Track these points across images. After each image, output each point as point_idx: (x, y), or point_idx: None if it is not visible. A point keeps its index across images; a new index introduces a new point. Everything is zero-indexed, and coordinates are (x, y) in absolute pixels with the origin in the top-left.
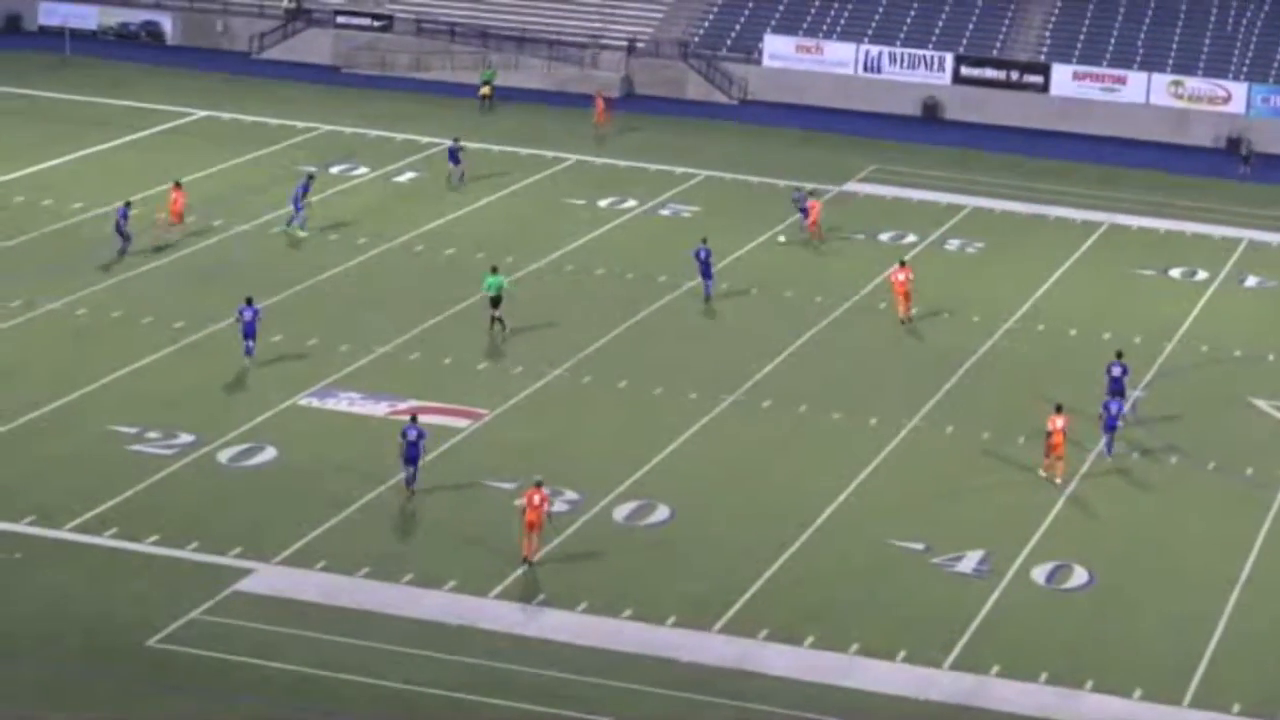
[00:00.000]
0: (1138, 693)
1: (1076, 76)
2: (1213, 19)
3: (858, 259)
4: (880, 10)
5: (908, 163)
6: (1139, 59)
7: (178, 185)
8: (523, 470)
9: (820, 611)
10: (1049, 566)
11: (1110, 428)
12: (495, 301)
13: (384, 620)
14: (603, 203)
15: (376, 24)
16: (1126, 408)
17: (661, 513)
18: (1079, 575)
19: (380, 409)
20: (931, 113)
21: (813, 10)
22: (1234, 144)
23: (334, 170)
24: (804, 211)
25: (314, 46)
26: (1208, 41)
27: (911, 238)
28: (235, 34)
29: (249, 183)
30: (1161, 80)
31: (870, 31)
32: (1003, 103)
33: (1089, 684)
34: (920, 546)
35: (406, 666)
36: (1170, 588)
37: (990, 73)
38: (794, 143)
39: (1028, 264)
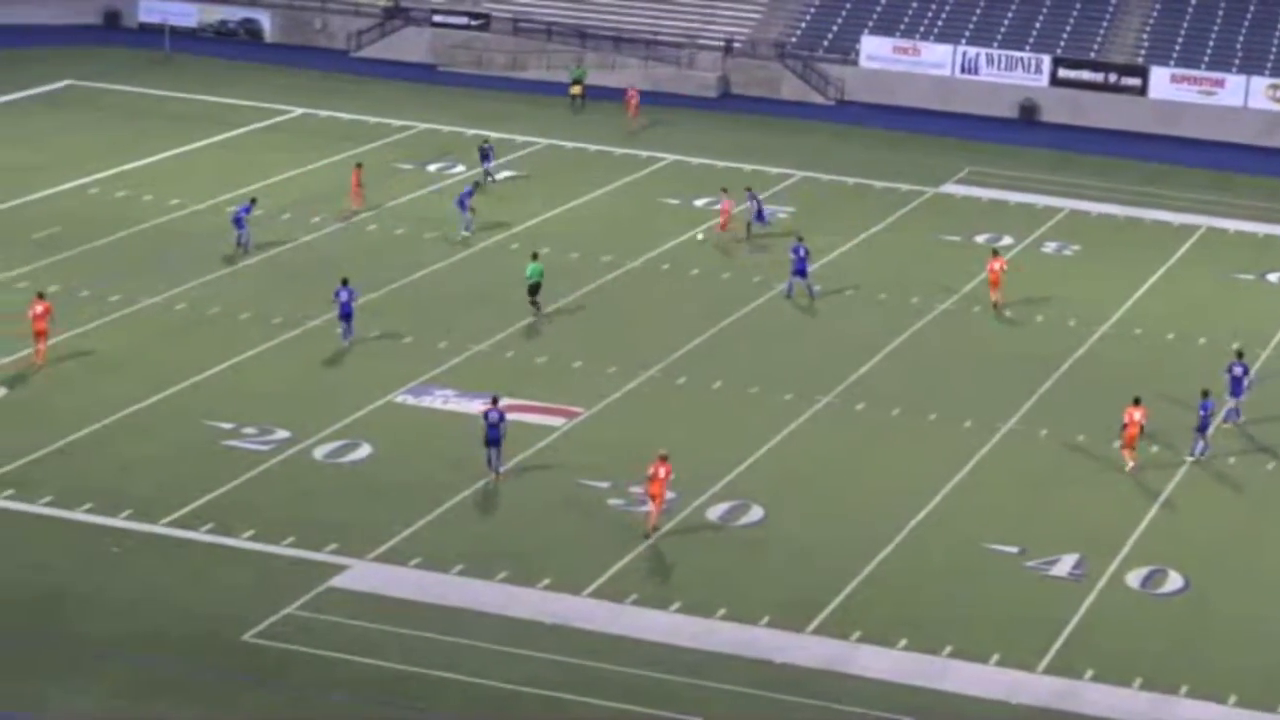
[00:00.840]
0: (1232, 699)
1: (1174, 79)
2: None
3: (953, 261)
4: (978, 11)
5: (1004, 165)
6: (1238, 62)
7: (358, 166)
8: (617, 469)
9: (914, 614)
10: (1144, 571)
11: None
12: (535, 289)
13: (477, 618)
14: (698, 203)
15: (474, 23)
16: (1232, 410)
17: (755, 513)
18: (1174, 580)
19: (475, 406)
20: (1028, 115)
21: (910, 11)
22: None
23: (430, 169)
24: (758, 213)
25: (411, 45)
26: None
27: (1007, 239)
28: (333, 32)
29: (346, 181)
30: (1260, 83)
31: (967, 33)
32: (1100, 105)
33: (1183, 690)
34: (1014, 550)
35: (499, 664)
36: (1266, 594)
37: (1088, 75)
38: (889, 144)
39: (1124, 267)
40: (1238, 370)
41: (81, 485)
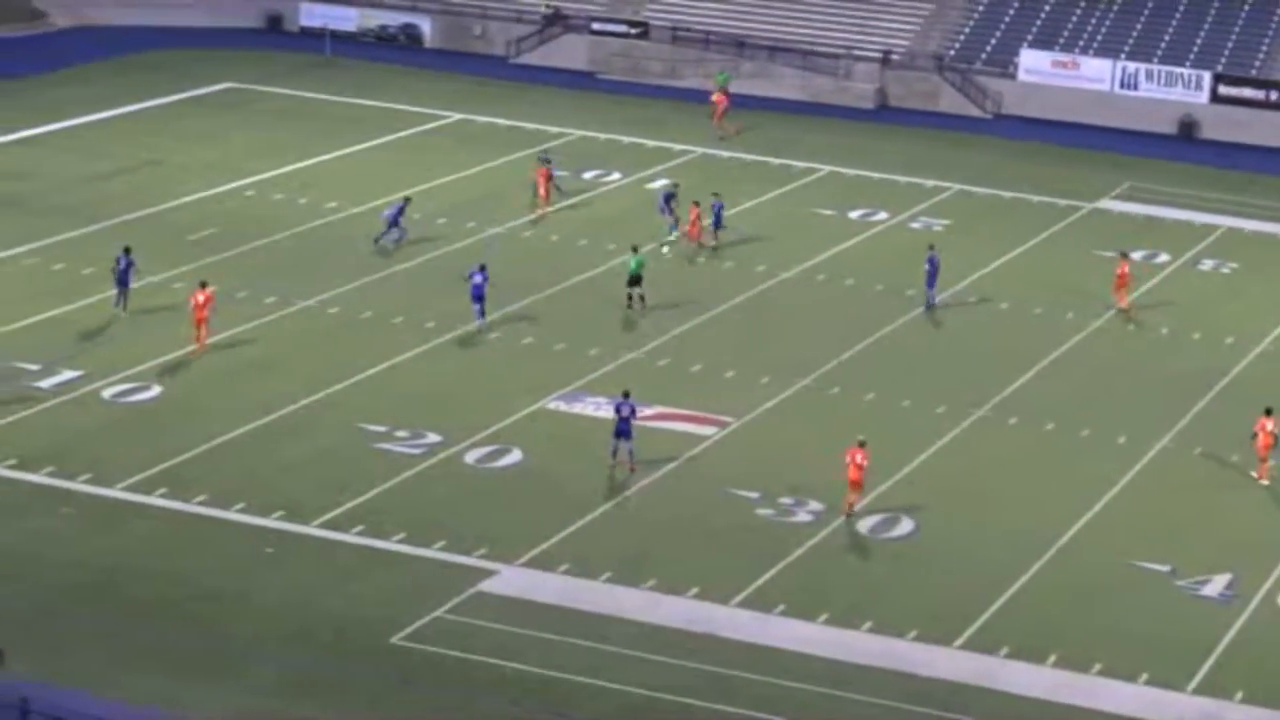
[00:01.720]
0: None
1: None
2: None
3: (1109, 276)
4: (1138, 27)
5: (1162, 181)
6: None
7: (546, 162)
8: (767, 480)
9: (1062, 630)
10: None
11: None
12: (635, 280)
13: (622, 625)
14: (853, 214)
15: (632, 31)
16: None
17: (905, 525)
18: None
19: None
20: (1188, 131)
21: (1070, 25)
22: None
23: (586, 176)
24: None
25: (570, 52)
26: None
27: (1164, 256)
28: (492, 38)
29: (502, 186)
30: None
31: (1127, 48)
32: (1261, 123)
33: None
34: (1165, 568)
35: (640, 671)
36: None
37: (1249, 92)
38: (1047, 158)
39: None
40: None
41: (234, 485)
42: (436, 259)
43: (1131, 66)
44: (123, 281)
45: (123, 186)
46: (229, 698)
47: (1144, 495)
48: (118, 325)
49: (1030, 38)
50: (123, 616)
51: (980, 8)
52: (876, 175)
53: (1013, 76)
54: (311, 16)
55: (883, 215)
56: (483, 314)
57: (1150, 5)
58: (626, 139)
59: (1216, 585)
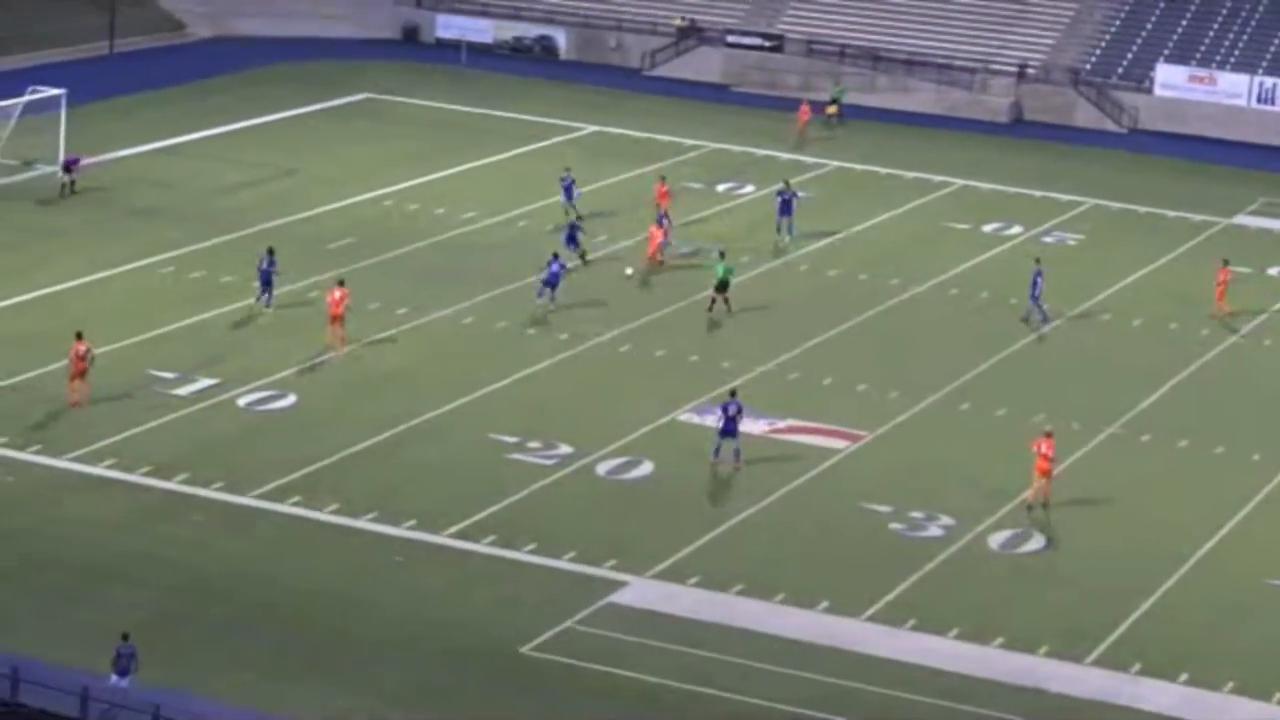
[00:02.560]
0: None
1: None
2: None
3: (1244, 293)
4: (1276, 41)
5: None
6: None
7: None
8: (899, 494)
9: (1195, 649)
10: None
11: None
12: (723, 285)
13: (753, 637)
14: (987, 228)
15: (767, 44)
16: None
17: (1037, 541)
18: None
19: (759, 427)
20: None
21: (1206, 40)
22: None
23: (720, 188)
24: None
25: (705, 64)
26: None
27: None
28: (628, 50)
29: (636, 198)
30: None
31: (1265, 63)
32: None
33: None
34: None
35: (765, 683)
36: None
37: None
38: (1182, 173)
39: None
40: None
41: (366, 495)
42: (571, 272)
43: (1269, 81)
44: (266, 281)
45: (260, 196)
46: (354, 701)
47: (1278, 513)
48: (258, 324)
49: (1167, 52)
50: (246, 621)
51: (1116, 22)
52: (1011, 189)
53: (1149, 91)
54: (448, 28)
55: (1017, 229)
56: (543, 294)
57: None
58: (760, 152)
59: None
